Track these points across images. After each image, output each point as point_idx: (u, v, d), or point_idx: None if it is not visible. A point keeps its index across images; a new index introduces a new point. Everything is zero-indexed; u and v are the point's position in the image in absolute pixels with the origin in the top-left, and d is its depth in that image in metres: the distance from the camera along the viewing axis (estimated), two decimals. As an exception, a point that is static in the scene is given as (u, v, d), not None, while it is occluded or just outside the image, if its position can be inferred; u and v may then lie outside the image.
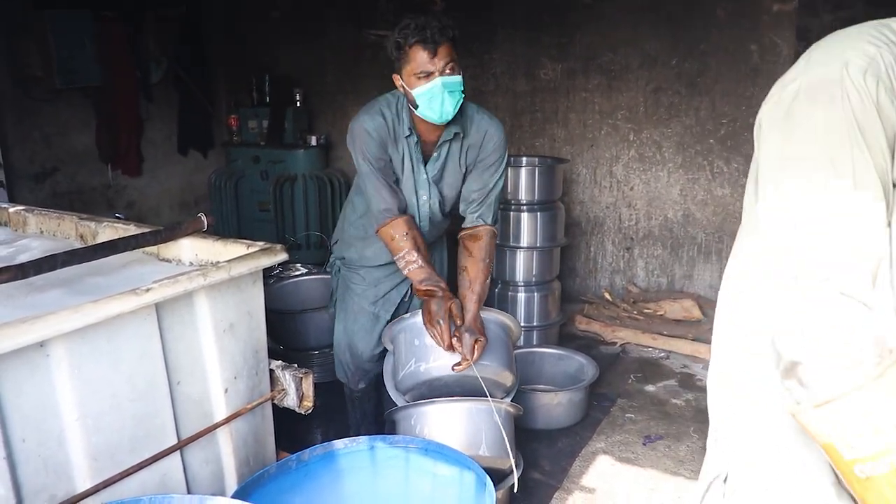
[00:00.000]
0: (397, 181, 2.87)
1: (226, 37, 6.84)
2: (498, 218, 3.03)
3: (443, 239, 3.32)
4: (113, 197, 6.28)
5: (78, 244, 3.01)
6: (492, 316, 2.91)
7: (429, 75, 2.57)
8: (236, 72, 6.85)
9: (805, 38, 3.78)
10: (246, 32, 6.72)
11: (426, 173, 2.88)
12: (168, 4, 6.26)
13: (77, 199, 5.96)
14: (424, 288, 2.75)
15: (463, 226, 2.98)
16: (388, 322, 3.05)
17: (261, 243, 2.50)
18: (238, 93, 6.81)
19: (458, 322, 2.72)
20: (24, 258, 2.79)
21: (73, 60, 5.62)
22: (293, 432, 3.29)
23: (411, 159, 2.84)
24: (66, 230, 3.12)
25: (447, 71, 2.57)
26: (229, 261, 2.30)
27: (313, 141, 6.26)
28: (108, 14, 5.81)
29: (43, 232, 3.21)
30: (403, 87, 2.68)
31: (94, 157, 6.09)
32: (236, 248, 2.53)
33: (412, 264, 2.76)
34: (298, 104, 6.40)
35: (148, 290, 2.03)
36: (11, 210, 3.32)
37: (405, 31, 2.55)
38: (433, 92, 2.58)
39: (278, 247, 2.48)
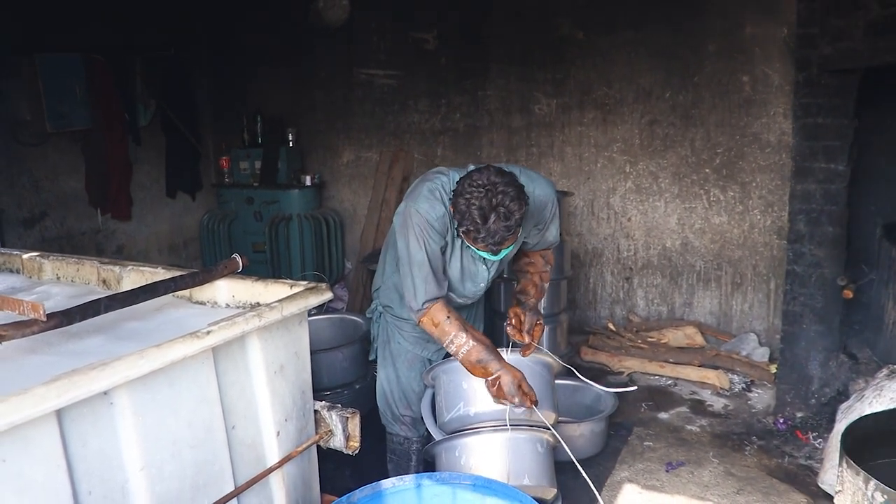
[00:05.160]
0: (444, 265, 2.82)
1: (215, 78, 6.83)
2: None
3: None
4: (102, 241, 6.18)
5: (100, 289, 2.95)
6: (536, 357, 2.89)
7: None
8: (226, 113, 6.83)
9: (805, 69, 3.89)
10: (235, 73, 6.72)
11: (486, 265, 2.86)
12: (157, 47, 6.24)
13: (67, 244, 5.85)
14: (483, 367, 2.68)
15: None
16: None
17: (304, 283, 2.48)
18: (227, 134, 6.78)
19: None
20: (49, 305, 2.72)
21: (62, 104, 5.56)
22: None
23: (468, 254, 2.80)
24: (86, 275, 3.05)
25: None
26: (280, 301, 2.27)
27: (307, 181, 6.25)
28: (97, 57, 5.77)
29: (60, 278, 3.14)
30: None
31: (84, 201, 6.00)
32: (278, 289, 2.50)
33: (463, 347, 2.68)
34: (291, 144, 6.40)
35: (208, 332, 1.99)
36: (25, 256, 3.25)
37: (469, 228, 2.44)
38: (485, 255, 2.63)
39: (323, 286, 2.46)
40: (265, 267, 6.09)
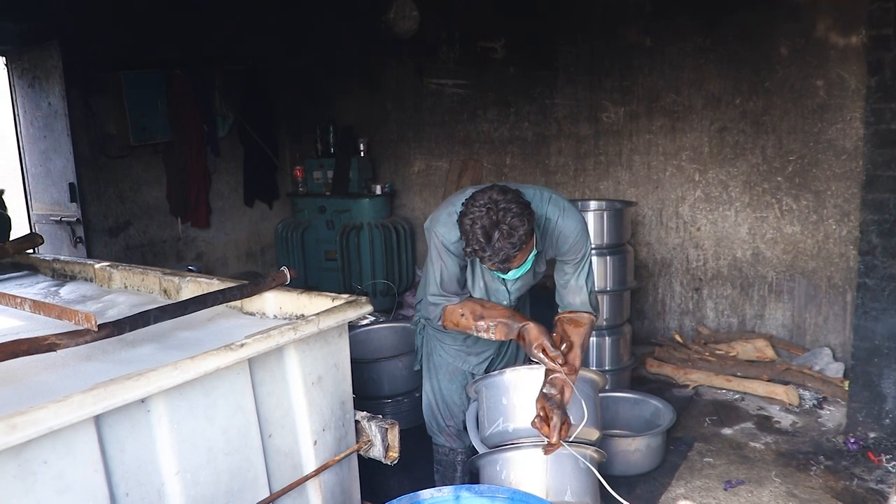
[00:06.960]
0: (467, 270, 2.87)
1: (290, 90, 7.03)
2: (598, 305, 2.93)
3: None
4: (182, 248, 6.44)
5: (161, 298, 3.09)
6: (580, 373, 2.85)
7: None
8: (300, 124, 7.03)
9: (878, 73, 3.72)
10: (309, 85, 6.91)
11: (506, 285, 2.86)
12: (235, 61, 6.47)
13: (149, 252, 6.14)
14: (515, 335, 2.73)
15: (563, 308, 2.89)
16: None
17: (345, 296, 2.54)
18: (302, 144, 6.97)
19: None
20: (112, 313, 2.88)
21: (144, 118, 5.85)
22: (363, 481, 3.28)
23: (488, 274, 2.82)
24: (149, 285, 3.20)
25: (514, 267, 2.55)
26: (318, 314, 2.33)
27: (378, 190, 6.36)
28: (177, 72, 6.03)
29: (127, 287, 3.30)
30: None
31: (165, 210, 6.28)
32: (321, 301, 2.57)
33: (487, 331, 2.75)
34: (362, 154, 6.53)
35: (242, 345, 2.07)
36: (97, 266, 3.43)
37: (475, 248, 2.44)
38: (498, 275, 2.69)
39: (363, 299, 2.51)
40: (336, 275, 6.22)
